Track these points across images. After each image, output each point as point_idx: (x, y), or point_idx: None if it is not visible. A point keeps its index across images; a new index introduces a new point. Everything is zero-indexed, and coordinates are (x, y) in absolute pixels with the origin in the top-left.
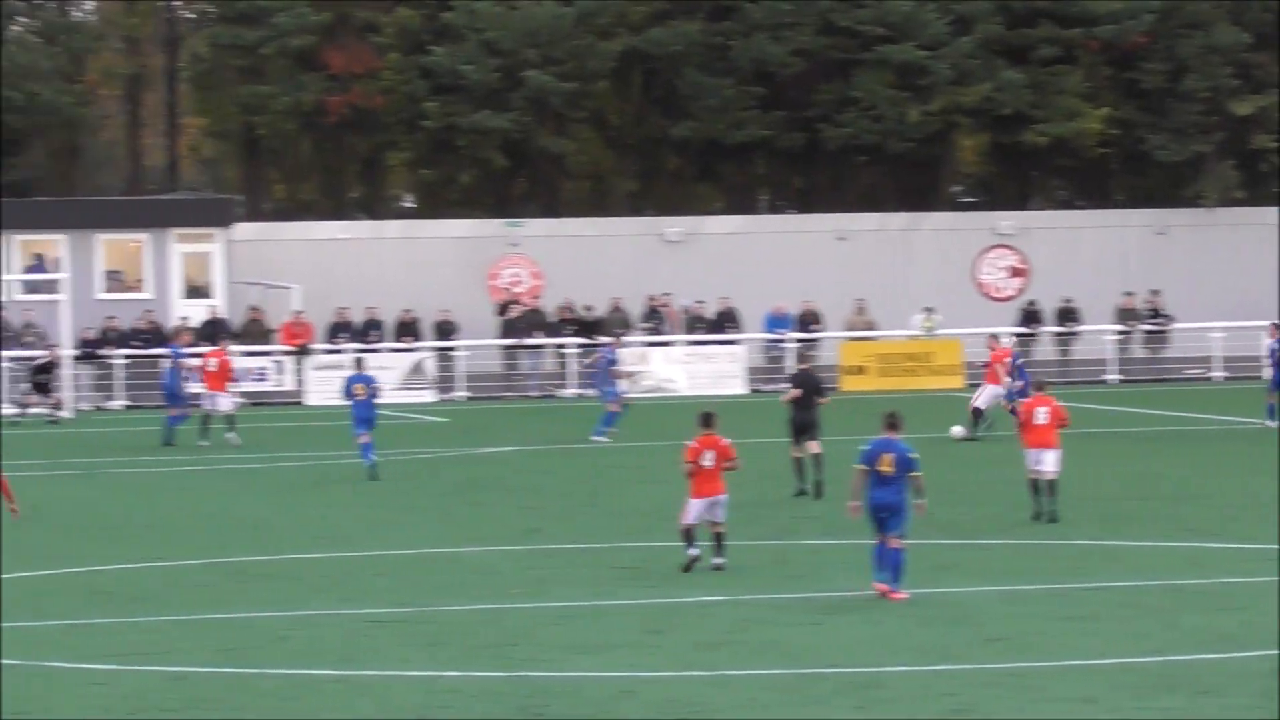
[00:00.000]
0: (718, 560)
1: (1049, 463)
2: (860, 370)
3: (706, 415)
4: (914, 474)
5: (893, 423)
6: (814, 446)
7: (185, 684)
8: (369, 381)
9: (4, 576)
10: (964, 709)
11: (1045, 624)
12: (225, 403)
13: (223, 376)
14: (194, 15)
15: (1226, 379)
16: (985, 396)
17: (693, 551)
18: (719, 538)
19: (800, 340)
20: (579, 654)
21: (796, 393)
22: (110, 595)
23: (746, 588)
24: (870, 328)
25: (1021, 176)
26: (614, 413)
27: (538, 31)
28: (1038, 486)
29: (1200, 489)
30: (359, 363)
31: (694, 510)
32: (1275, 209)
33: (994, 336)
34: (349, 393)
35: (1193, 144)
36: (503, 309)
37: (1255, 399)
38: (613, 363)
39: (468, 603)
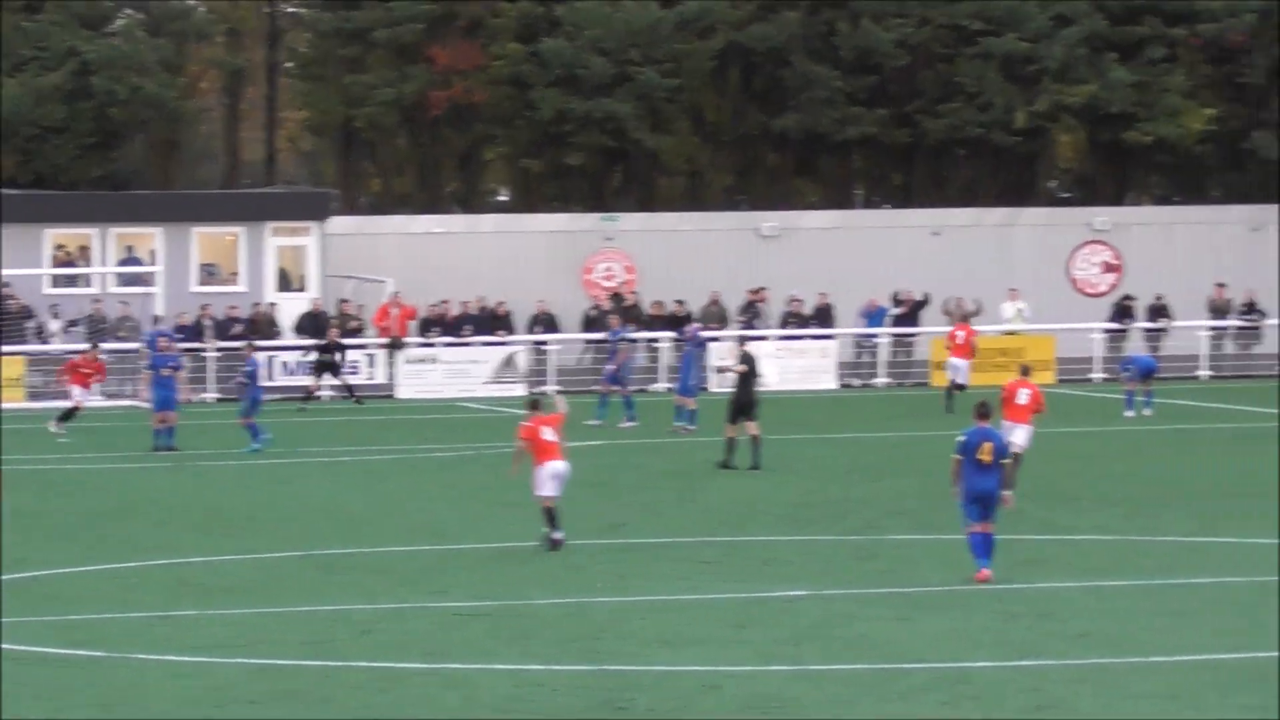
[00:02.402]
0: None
1: (1020, 438)
2: None
3: (534, 401)
4: (1006, 461)
5: (984, 412)
6: (752, 427)
7: (271, 676)
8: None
9: (94, 568)
10: (1048, 705)
11: (1132, 620)
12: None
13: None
14: (296, 10)
15: None
16: (964, 372)
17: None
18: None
19: (894, 335)
20: (664, 648)
21: (742, 367)
22: (199, 587)
23: (833, 582)
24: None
25: (1119, 173)
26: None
27: (640, 32)
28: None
29: None
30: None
31: (545, 480)
32: None
33: (965, 318)
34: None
35: None
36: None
37: None
38: (702, 345)
39: (554, 596)
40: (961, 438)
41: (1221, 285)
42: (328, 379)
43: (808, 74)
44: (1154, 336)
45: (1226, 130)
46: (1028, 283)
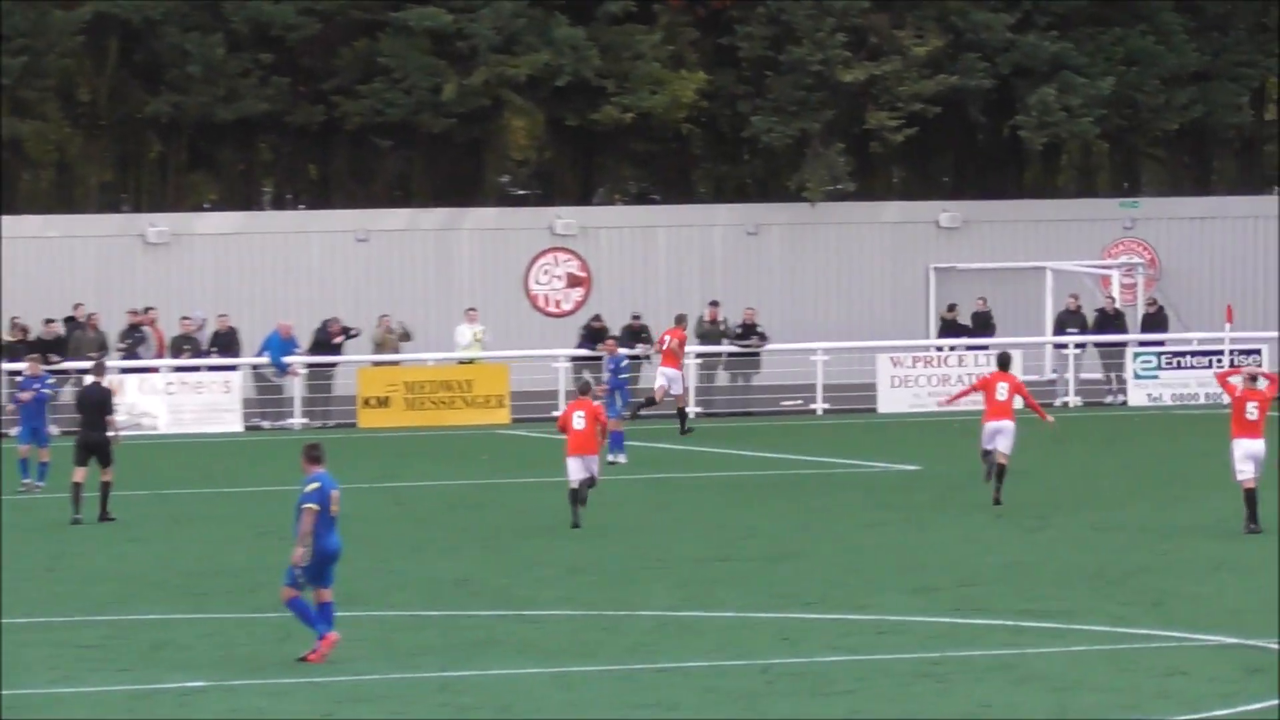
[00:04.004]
0: None
1: (592, 468)
2: (383, 402)
3: None
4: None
5: (318, 455)
6: (105, 474)
7: None
8: None
9: None
10: None
11: (606, 714)
12: None
13: None
14: None
15: (830, 411)
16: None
17: None
18: None
19: (309, 366)
20: None
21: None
22: None
23: (240, 670)
24: (396, 350)
25: (586, 163)
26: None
27: None
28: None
29: (797, 548)
30: None
31: None
32: (893, 204)
33: (681, 317)
34: None
35: (793, 124)
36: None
37: (864, 436)
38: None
39: None
40: (314, 485)
41: (714, 304)
42: None
43: (183, 44)
44: (631, 365)
45: (716, 112)
46: (475, 299)
